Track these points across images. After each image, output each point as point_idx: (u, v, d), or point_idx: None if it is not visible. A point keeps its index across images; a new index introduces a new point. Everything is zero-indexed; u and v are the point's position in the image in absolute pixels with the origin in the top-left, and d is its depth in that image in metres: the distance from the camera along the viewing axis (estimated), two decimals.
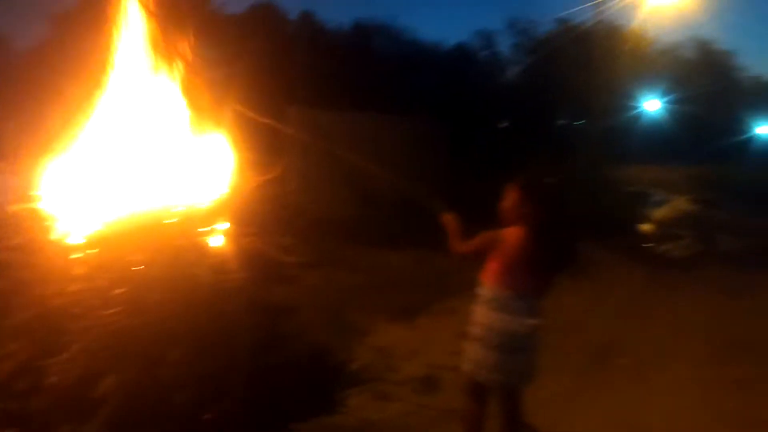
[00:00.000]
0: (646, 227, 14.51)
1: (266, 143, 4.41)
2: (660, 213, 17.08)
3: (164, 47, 4.07)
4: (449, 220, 3.79)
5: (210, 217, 4.02)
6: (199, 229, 3.95)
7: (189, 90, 4.20)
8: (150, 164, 4.07)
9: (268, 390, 4.22)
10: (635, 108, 35.62)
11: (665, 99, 36.54)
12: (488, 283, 3.51)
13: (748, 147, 37.90)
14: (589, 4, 23.82)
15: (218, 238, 3.99)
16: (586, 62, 26.72)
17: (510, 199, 3.50)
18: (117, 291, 3.64)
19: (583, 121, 33.65)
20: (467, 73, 32.81)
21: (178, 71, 4.12)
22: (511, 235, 3.42)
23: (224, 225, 4.05)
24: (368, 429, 4.29)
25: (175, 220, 3.88)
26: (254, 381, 4.09)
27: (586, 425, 4.43)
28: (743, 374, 5.42)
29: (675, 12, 28.90)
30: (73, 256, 3.71)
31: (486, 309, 3.49)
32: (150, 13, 4.08)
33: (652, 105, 36.94)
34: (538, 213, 3.37)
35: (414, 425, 4.42)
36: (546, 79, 33.41)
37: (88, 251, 3.73)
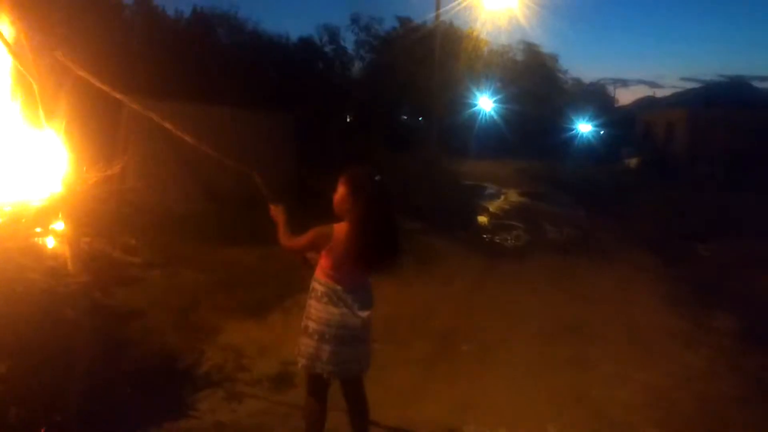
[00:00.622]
0: (482, 219, 15.37)
1: (105, 136, 4.14)
2: (494, 205, 18.13)
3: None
4: (277, 211, 3.79)
5: (43, 216, 3.72)
6: (33, 230, 3.64)
7: (19, 77, 3.86)
8: None
9: (112, 399, 4.01)
10: (471, 106, 37.57)
11: (497, 98, 38.80)
12: (321, 277, 3.55)
13: (570, 144, 41.26)
14: (430, 4, 24.80)
15: (53, 240, 3.71)
16: (426, 60, 27.75)
17: (338, 193, 3.55)
18: None
19: (422, 117, 34.98)
20: (312, 67, 32.85)
21: (8, 55, 3.77)
22: (340, 230, 3.48)
23: (59, 225, 3.76)
24: (220, 431, 4.19)
25: (2, 219, 3.56)
26: (96, 391, 3.88)
27: (434, 415, 4.61)
28: (572, 353, 5.95)
29: (508, 16, 30.88)
30: None
31: (320, 303, 3.52)
32: None
33: (486, 103, 39.08)
34: (362, 207, 3.44)
35: (267, 424, 4.39)
36: (388, 75, 34.30)
37: None
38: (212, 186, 10.21)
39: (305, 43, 35.21)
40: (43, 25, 4.12)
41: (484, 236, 12.95)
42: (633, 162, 32.28)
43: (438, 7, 25.20)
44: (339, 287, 3.50)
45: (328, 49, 36.15)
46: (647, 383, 5.34)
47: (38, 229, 3.66)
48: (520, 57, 43.18)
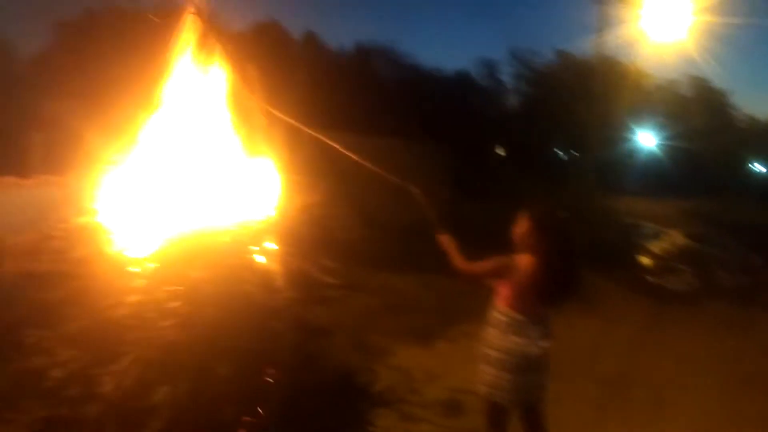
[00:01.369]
0: (645, 260, 14.71)
1: (311, 166, 4.56)
2: (657, 246, 17.27)
3: (221, 66, 4.25)
4: (446, 240, 3.95)
5: (259, 236, 4.15)
6: (250, 248, 4.08)
7: (241, 110, 4.37)
8: (201, 182, 4.21)
9: (302, 408, 4.34)
10: (631, 141, 36.18)
11: (660, 133, 37.07)
12: (502, 307, 3.66)
13: (740, 183, 38.43)
14: (590, 37, 24.32)
15: (266, 258, 4.12)
16: (584, 94, 27.19)
17: (521, 227, 3.70)
18: (172, 304, 3.75)
19: (579, 151, 34.15)
20: (466, 99, 33.30)
21: (230, 90, 4.29)
22: (523, 261, 3.61)
23: (272, 245, 4.18)
24: None
25: (227, 239, 4.01)
26: (289, 399, 4.19)
27: None
28: (754, 408, 5.59)
29: (673, 49, 29.48)
30: (131, 269, 3.83)
31: (501, 332, 3.65)
32: (206, 30, 4.24)
33: (647, 139, 37.45)
34: (548, 243, 3.56)
35: None
36: (544, 108, 33.99)
37: (145, 265, 3.85)
38: (371, 214, 10.65)
39: (460, 76, 35.85)
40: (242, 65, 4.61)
41: (648, 278, 12.40)
42: None
43: (599, 40, 24.72)
44: (522, 317, 3.62)
45: (483, 81, 36.53)
46: None
47: (254, 248, 4.09)
48: (687, 92, 41.11)
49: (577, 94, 29.73)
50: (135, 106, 4.27)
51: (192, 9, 4.07)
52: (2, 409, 4.01)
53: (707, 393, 5.97)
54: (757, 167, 44.79)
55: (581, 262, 3.83)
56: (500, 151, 34.26)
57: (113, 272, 3.83)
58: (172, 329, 3.71)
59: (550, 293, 3.64)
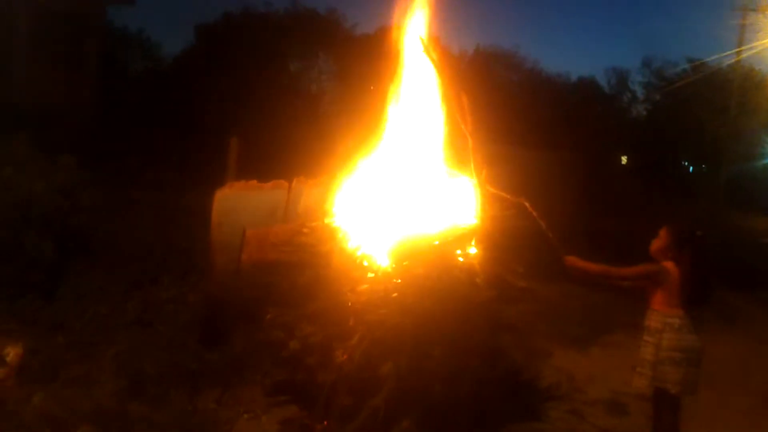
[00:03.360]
0: None
1: (505, 180, 5.18)
2: None
3: (439, 90, 4.99)
4: (573, 260, 4.50)
5: (464, 241, 4.83)
6: (457, 251, 4.76)
7: (451, 128, 5.09)
8: (416, 194, 4.94)
9: (489, 394, 4.92)
10: (765, 156, 34.37)
11: None
12: (668, 310, 4.20)
13: None
14: (728, 48, 23.51)
15: (470, 260, 4.79)
16: (718, 106, 26.28)
17: (661, 241, 4.31)
18: (394, 295, 4.49)
19: (706, 165, 32.88)
20: (594, 107, 32.85)
21: (447, 111, 5.02)
22: (671, 269, 4.20)
23: (473, 249, 4.85)
24: None
25: (438, 242, 4.71)
26: (480, 386, 4.80)
27: None
28: None
29: None
30: (363, 263, 4.61)
31: (678, 333, 4.17)
32: (429, 55, 4.95)
33: None
34: (688, 257, 4.18)
35: None
36: (673, 118, 32.96)
37: (374, 261, 4.62)
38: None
39: (585, 83, 35.39)
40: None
41: None
42: None
43: (738, 50, 23.89)
44: (687, 318, 4.19)
45: (609, 90, 35.89)
46: None
47: (460, 251, 4.77)
48: None
49: (711, 106, 28.78)
50: (363, 125, 5.06)
51: (420, 35, 4.78)
52: (247, 371, 4.89)
53: None
54: None
55: (714, 274, 4.36)
56: (626, 161, 33.58)
57: (348, 265, 4.61)
58: (394, 315, 4.43)
59: (693, 299, 4.22)
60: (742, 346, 8.24)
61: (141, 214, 8.18)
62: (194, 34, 22.78)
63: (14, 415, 3.72)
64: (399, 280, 4.52)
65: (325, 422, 4.28)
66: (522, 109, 24.46)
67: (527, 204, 4.89)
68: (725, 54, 25.53)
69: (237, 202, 5.25)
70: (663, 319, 4.22)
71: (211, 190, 5.50)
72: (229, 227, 5.19)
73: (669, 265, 4.24)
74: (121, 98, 16.22)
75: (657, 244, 4.35)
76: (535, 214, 4.83)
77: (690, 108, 31.59)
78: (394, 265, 4.59)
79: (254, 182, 5.28)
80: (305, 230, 4.93)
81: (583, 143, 25.25)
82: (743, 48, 23.55)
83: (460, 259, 4.82)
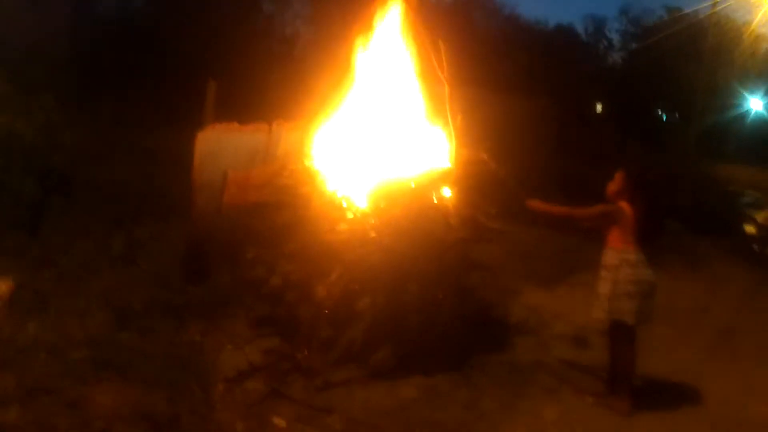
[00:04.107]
0: (749, 228, 14.84)
1: (480, 131, 5.36)
2: (762, 216, 17.22)
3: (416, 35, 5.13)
4: (536, 204, 4.77)
5: (438, 184, 5.04)
6: (432, 194, 4.97)
7: (427, 73, 5.23)
8: (392, 139, 5.11)
9: (459, 328, 5.20)
10: (738, 106, 34.84)
11: None
12: (628, 247, 4.51)
13: None
14: None
15: (444, 201, 5.01)
16: (693, 55, 26.47)
17: (618, 183, 4.60)
18: (372, 235, 4.70)
19: (680, 114, 33.30)
20: (571, 55, 32.87)
21: (424, 56, 5.15)
22: (626, 209, 4.52)
23: (448, 192, 5.06)
24: (539, 368, 5.24)
25: (414, 185, 4.90)
26: (451, 320, 5.07)
27: (718, 390, 5.23)
28: None
29: None
30: (342, 204, 4.80)
31: (635, 268, 4.49)
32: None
33: (756, 104, 35.92)
34: (642, 198, 4.49)
35: (574, 369, 5.34)
36: (648, 68, 33.15)
37: (352, 202, 4.81)
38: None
39: (563, 30, 35.32)
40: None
41: (753, 246, 12.66)
42: None
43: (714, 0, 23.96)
44: (641, 253, 4.52)
45: (586, 38, 35.87)
46: None
47: (436, 194, 4.97)
48: None
49: (686, 55, 28.97)
50: (337, 70, 5.17)
51: None
52: (230, 306, 5.11)
53: None
54: None
55: (666, 215, 4.67)
56: (601, 109, 33.85)
57: (327, 207, 4.79)
58: (372, 253, 4.65)
59: (647, 236, 4.58)
60: (701, 286, 8.67)
61: (120, 155, 8.24)
62: None
63: (10, 342, 3.91)
64: (376, 221, 4.73)
65: (306, 352, 4.53)
66: (499, 55, 24.41)
67: (485, 157, 5.11)
68: (702, 5, 25.59)
69: (218, 145, 5.37)
70: (619, 255, 4.52)
71: (189, 132, 5.61)
72: (211, 169, 5.34)
73: (624, 205, 4.54)
74: (94, 39, 15.91)
75: (613, 186, 4.63)
76: (493, 165, 5.06)
77: (665, 57, 31.77)
78: (371, 207, 4.79)
79: (235, 125, 5.40)
80: (285, 173, 5.08)
81: (559, 90, 25.40)
82: None
83: (435, 201, 5.02)
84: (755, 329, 7.02)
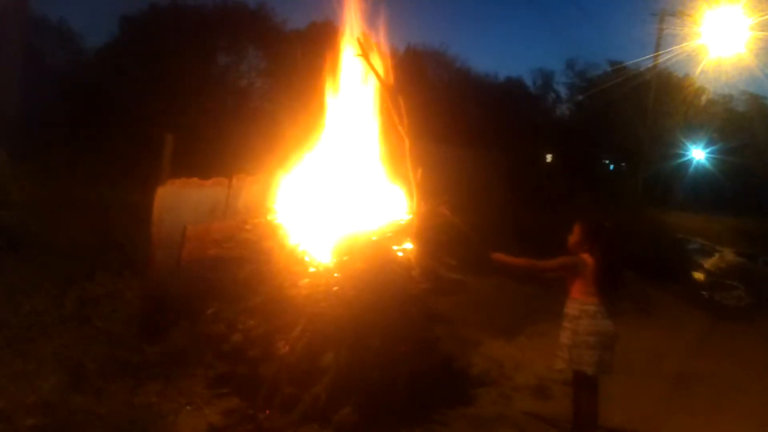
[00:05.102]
0: (697, 275, 15.31)
1: (436, 183, 5.42)
2: (710, 262, 17.80)
3: (376, 90, 5.20)
4: (499, 257, 4.89)
5: (400, 237, 5.06)
6: (394, 246, 4.98)
7: (386, 127, 5.31)
8: (352, 192, 5.13)
9: (423, 382, 5.16)
10: (681, 156, 36.22)
11: (712, 149, 36.98)
12: (585, 298, 4.60)
13: None
14: (648, 52, 24.68)
15: (406, 254, 5.02)
16: (637, 107, 27.54)
17: (576, 235, 4.73)
18: (335, 288, 4.67)
19: (626, 163, 34.39)
20: (521, 107, 33.82)
21: (383, 110, 5.23)
22: (587, 260, 4.64)
23: (409, 245, 5.08)
24: (503, 422, 5.22)
25: (376, 238, 4.91)
26: (415, 374, 5.03)
27: None
28: None
29: (731, 64, 29.50)
30: (305, 258, 4.76)
31: (594, 319, 4.57)
32: (365, 57, 5.14)
33: (698, 154, 37.40)
34: (600, 248, 4.62)
35: (537, 421, 5.33)
36: (595, 119, 34.35)
37: (315, 256, 4.78)
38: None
39: (512, 83, 36.41)
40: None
41: (702, 293, 13.02)
42: None
43: (656, 54, 25.09)
44: (602, 305, 4.58)
45: (535, 90, 37.04)
46: None
47: (396, 246, 4.99)
48: (741, 107, 40.89)
49: (630, 106, 30.11)
50: (298, 123, 5.21)
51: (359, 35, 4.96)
52: (189, 365, 4.98)
53: (760, 392, 6.66)
54: None
55: (622, 262, 4.82)
56: (551, 159, 34.70)
57: (290, 261, 4.76)
58: (335, 307, 4.62)
59: (604, 286, 4.65)
60: (656, 334, 8.82)
61: (73, 209, 8.05)
62: (118, 25, 22.24)
63: None
64: (339, 275, 4.70)
65: (267, 411, 4.42)
66: (452, 108, 24.92)
67: (445, 209, 5.19)
68: (644, 58, 26.77)
69: (177, 199, 5.31)
70: (580, 307, 4.59)
71: (144, 186, 5.53)
72: (170, 223, 5.26)
73: (585, 256, 4.63)
74: (44, 93, 15.71)
75: (572, 238, 4.74)
76: (454, 218, 5.13)
77: (611, 109, 32.97)
78: (334, 260, 4.77)
79: (195, 179, 5.35)
80: (247, 227, 5.05)
81: (510, 142, 26.01)
82: (661, 52, 24.74)
83: (398, 253, 5.04)
84: (710, 375, 7.14)
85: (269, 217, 5.04)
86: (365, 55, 4.94)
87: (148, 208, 5.38)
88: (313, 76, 5.43)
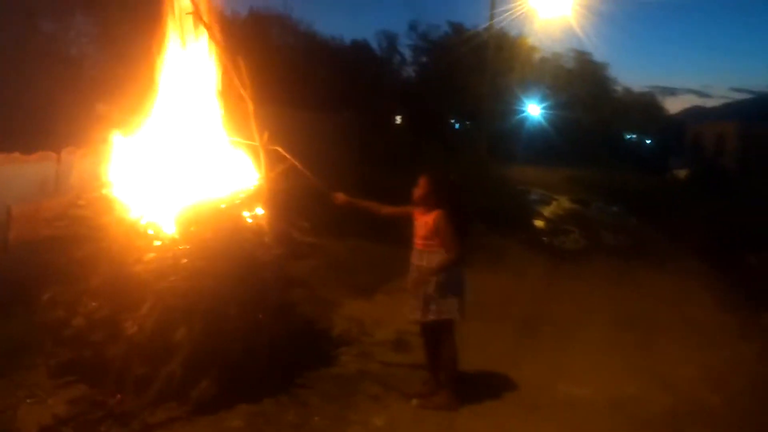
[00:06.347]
0: (539, 222, 16.35)
1: (286, 142, 5.30)
2: (548, 210, 19.06)
3: (214, 53, 4.95)
4: (340, 197, 4.99)
5: (250, 203, 4.91)
6: (244, 213, 4.83)
7: (224, 93, 5.08)
8: (194, 160, 4.89)
9: (283, 347, 5.11)
10: (519, 112, 38.32)
11: (546, 104, 39.39)
12: (431, 248, 4.68)
13: (618, 152, 41.59)
14: (484, 12, 25.76)
15: (258, 221, 4.89)
16: (477, 67, 28.72)
17: (423, 188, 4.76)
18: (184, 261, 4.46)
19: (471, 121, 35.89)
20: (365, 69, 34.03)
21: (222, 74, 4.99)
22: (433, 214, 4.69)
23: (260, 210, 4.95)
24: (364, 377, 5.30)
25: (224, 206, 4.74)
26: (275, 340, 4.97)
27: (529, 375, 5.65)
28: (638, 338, 6.93)
29: (560, 24, 31.52)
30: (147, 232, 4.49)
31: (456, 267, 4.69)
32: (200, 19, 4.87)
33: (534, 110, 39.71)
34: (444, 201, 4.68)
35: (397, 374, 5.47)
36: (440, 80, 35.39)
37: (159, 229, 4.52)
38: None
39: (359, 46, 36.55)
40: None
41: (543, 239, 13.93)
42: (682, 173, 32.54)
43: (491, 15, 26.19)
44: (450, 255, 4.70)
45: (381, 53, 37.42)
46: (706, 364, 6.27)
47: (247, 213, 4.84)
48: (570, 65, 43.76)
49: (470, 66, 31.32)
50: (134, 91, 4.87)
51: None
52: (28, 356, 4.61)
53: (599, 327, 7.28)
54: (632, 136, 48.65)
55: (469, 214, 4.97)
56: (396, 120, 35.41)
57: (132, 235, 4.48)
58: (186, 280, 4.43)
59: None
60: (504, 281, 9.32)
61: None
62: None
63: None
64: (187, 246, 4.50)
65: (119, 395, 4.19)
66: (300, 72, 24.58)
67: (280, 149, 5.07)
68: (481, 19, 27.87)
69: None
70: (439, 257, 4.67)
71: None
72: None
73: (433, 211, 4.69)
74: None
75: (418, 191, 4.77)
76: (293, 160, 5.04)
77: (452, 69, 34.11)
78: (181, 232, 4.55)
79: (16, 154, 4.87)
80: (81, 203, 4.67)
81: (360, 104, 26.20)
82: (495, 12, 25.80)
83: (248, 220, 4.90)
84: (553, 315, 7.68)
85: (105, 191, 4.70)
86: (197, 14, 4.68)
87: None
88: (146, 41, 5.06)
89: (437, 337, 4.89)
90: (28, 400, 4.23)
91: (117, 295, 4.37)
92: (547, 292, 8.94)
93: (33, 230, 4.66)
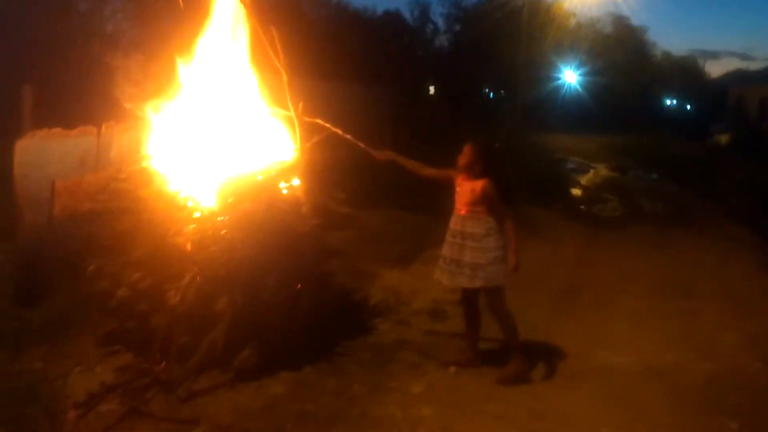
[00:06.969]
0: (575, 191, 16.15)
1: (321, 114, 5.31)
2: (585, 179, 18.79)
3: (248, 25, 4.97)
4: (387, 154, 5.01)
5: (287, 174, 4.95)
6: (281, 184, 4.87)
7: (259, 66, 5.11)
8: (236, 129, 4.94)
9: (322, 317, 5.18)
10: (555, 79, 37.66)
11: (583, 71, 38.59)
12: (487, 216, 4.65)
13: (659, 118, 40.64)
14: None
15: (295, 192, 4.93)
16: (512, 34, 28.22)
17: (467, 156, 4.73)
18: (223, 232, 4.53)
19: (505, 90, 35.41)
20: (397, 40, 33.76)
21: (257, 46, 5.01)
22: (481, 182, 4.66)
23: (297, 182, 4.99)
24: (402, 346, 5.35)
25: (261, 177, 4.78)
26: (313, 310, 5.03)
27: (566, 343, 5.63)
28: (678, 305, 6.84)
29: None
30: (188, 204, 4.57)
31: (499, 234, 4.68)
32: None
33: (570, 76, 38.97)
34: (490, 167, 4.66)
35: (436, 343, 5.50)
36: (473, 49, 34.90)
37: (199, 201, 4.60)
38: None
39: (391, 16, 36.27)
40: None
41: (581, 207, 13.75)
42: (723, 138, 31.66)
43: None
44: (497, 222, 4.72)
45: (413, 22, 37.08)
46: (747, 331, 6.16)
47: (285, 184, 4.88)
48: (608, 30, 42.78)
49: (505, 34, 30.80)
50: (165, 63, 4.91)
51: None
52: (74, 326, 4.74)
53: (638, 295, 7.20)
54: (672, 101, 47.52)
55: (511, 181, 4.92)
56: (434, 90, 35.16)
57: (172, 208, 4.55)
58: (225, 251, 4.49)
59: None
60: (541, 250, 9.24)
61: None
62: None
63: None
64: (226, 218, 4.56)
65: (163, 363, 4.30)
66: (332, 44, 24.51)
67: (324, 123, 5.09)
68: None
69: (41, 153, 4.93)
70: (485, 225, 4.66)
71: (6, 142, 5.10)
72: (36, 179, 4.89)
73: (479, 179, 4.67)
74: None
75: (462, 159, 4.74)
76: (329, 126, 5.06)
77: (486, 37, 33.62)
78: (219, 204, 4.61)
79: (58, 130, 4.97)
80: (122, 176, 4.77)
81: (392, 75, 26.06)
82: None
83: (285, 191, 4.94)
84: (591, 283, 7.62)
85: (145, 164, 4.78)
86: None
87: (8, 166, 4.98)
88: (180, 15, 5.09)
89: (477, 304, 4.90)
90: (77, 369, 4.37)
91: (159, 266, 4.46)
92: (585, 260, 8.86)
93: (76, 204, 4.76)
